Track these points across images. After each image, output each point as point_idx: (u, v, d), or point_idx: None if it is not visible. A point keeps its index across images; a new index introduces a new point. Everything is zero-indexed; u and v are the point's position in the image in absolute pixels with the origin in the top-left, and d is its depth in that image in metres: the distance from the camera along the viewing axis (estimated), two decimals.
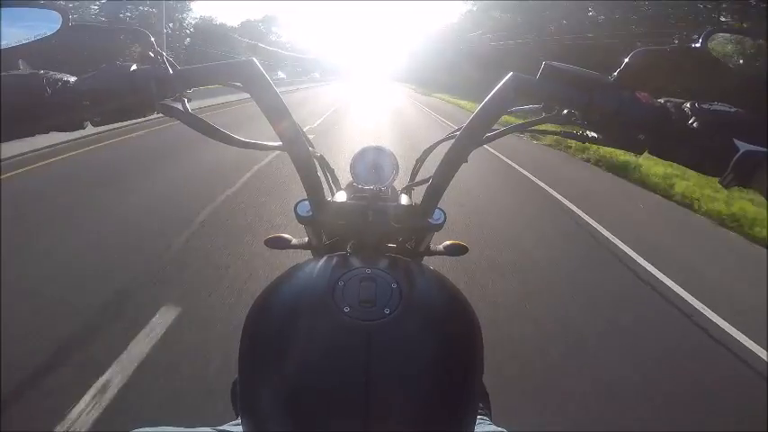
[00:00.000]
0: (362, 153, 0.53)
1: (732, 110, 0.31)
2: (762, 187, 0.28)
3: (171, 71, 0.34)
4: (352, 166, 0.53)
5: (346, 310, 0.27)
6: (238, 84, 0.35)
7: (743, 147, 0.28)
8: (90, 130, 0.36)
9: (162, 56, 0.35)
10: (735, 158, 0.28)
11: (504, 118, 0.39)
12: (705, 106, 0.31)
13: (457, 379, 0.28)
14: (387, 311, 0.27)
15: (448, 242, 0.51)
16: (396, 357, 0.26)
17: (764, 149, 0.28)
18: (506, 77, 0.35)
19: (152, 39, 0.36)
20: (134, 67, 0.34)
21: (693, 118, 0.31)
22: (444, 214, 0.43)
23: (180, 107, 0.37)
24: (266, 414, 0.27)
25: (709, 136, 0.30)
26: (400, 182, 0.54)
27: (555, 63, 0.34)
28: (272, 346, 0.28)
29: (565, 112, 0.38)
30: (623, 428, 1.59)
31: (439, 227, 0.42)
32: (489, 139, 0.42)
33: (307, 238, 0.50)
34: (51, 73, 0.32)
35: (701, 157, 0.31)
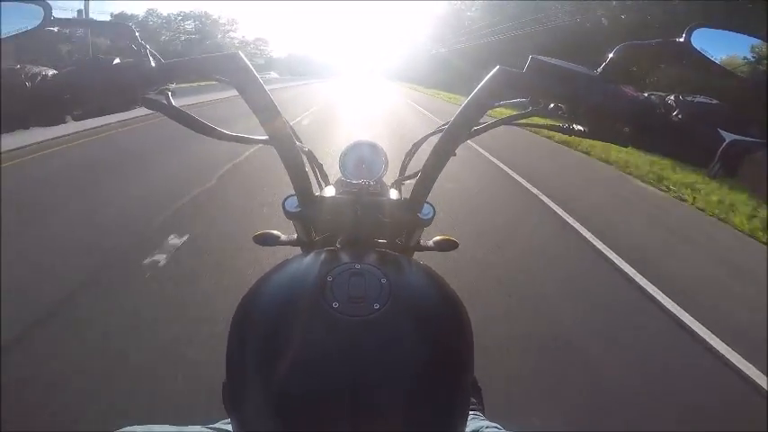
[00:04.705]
0: (352, 148, 0.53)
1: (715, 102, 0.31)
2: (747, 176, 0.28)
3: (154, 64, 0.34)
4: (342, 161, 0.52)
5: (335, 305, 0.27)
6: (224, 78, 0.35)
7: (728, 137, 0.29)
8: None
9: (145, 49, 0.34)
10: (721, 147, 0.28)
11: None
12: (689, 99, 0.31)
13: (448, 374, 0.27)
14: (376, 306, 0.27)
15: (438, 237, 0.51)
16: (385, 353, 0.25)
17: (750, 139, 0.28)
18: (493, 71, 0.34)
19: (136, 33, 0.35)
20: (116, 60, 0.33)
21: (678, 110, 0.31)
22: (434, 209, 0.42)
23: (164, 101, 0.36)
24: (256, 411, 0.26)
25: (694, 127, 0.30)
26: (390, 176, 0.54)
27: (542, 57, 0.34)
28: (260, 344, 0.27)
29: (551, 105, 0.38)
30: None
31: (428, 222, 0.42)
32: (477, 133, 0.42)
33: (295, 235, 0.50)
34: (30, 67, 0.31)
35: (687, 148, 0.31)
